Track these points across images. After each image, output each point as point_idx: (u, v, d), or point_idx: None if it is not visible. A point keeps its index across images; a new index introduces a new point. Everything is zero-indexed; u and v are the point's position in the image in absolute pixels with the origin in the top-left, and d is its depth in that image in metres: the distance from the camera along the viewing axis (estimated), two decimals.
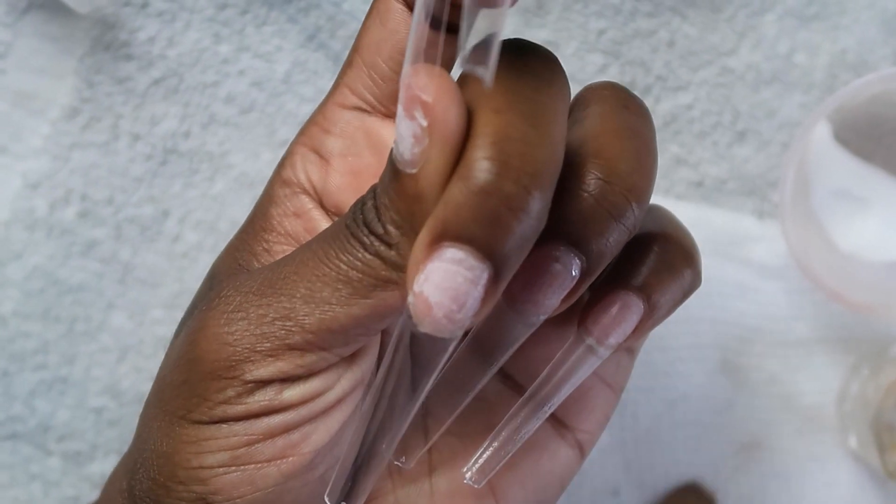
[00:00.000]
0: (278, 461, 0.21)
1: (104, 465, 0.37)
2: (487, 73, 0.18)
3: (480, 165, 0.17)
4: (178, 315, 0.38)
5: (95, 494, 0.37)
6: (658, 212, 0.25)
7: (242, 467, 0.21)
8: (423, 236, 0.18)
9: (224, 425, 0.21)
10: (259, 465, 0.21)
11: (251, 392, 0.21)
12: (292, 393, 0.21)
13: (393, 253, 0.19)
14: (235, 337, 0.21)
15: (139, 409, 0.37)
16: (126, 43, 0.37)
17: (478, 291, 0.18)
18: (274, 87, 0.38)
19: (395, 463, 0.24)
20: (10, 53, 0.37)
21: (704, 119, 0.40)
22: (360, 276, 0.20)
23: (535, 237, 0.18)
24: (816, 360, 0.40)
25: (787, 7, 0.40)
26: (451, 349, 0.20)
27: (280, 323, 0.20)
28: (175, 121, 0.37)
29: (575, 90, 0.22)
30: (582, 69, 0.40)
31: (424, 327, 0.18)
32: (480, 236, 0.17)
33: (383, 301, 0.20)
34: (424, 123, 0.18)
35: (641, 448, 0.39)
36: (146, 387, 0.37)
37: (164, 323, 0.37)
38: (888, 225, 0.40)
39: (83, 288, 0.37)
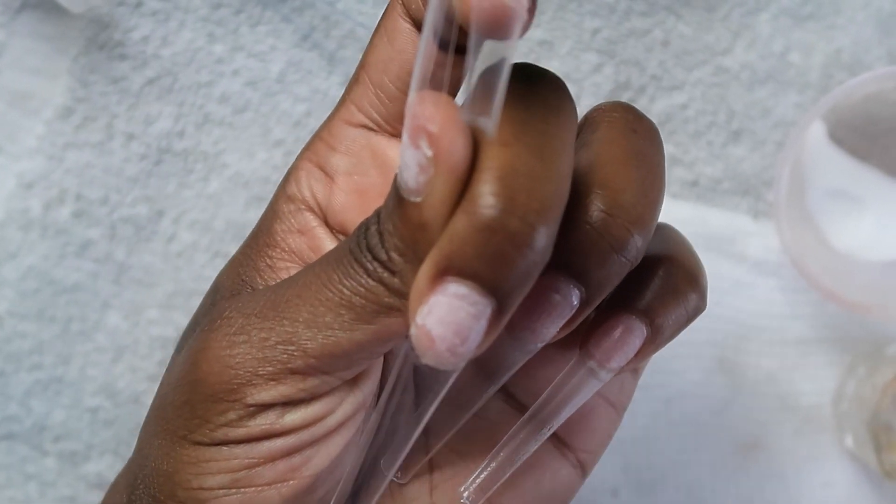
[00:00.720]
0: (279, 484, 0.21)
1: (100, 465, 0.37)
2: (490, 122, 0.18)
3: (486, 201, 0.17)
4: (174, 315, 0.38)
5: (91, 494, 0.37)
6: (664, 232, 0.24)
7: (243, 490, 0.21)
8: (427, 269, 0.18)
9: (225, 447, 0.21)
10: (259, 488, 0.21)
11: (253, 415, 0.21)
12: (294, 417, 0.21)
13: (396, 280, 0.19)
14: (237, 360, 0.21)
15: (135, 408, 0.37)
16: (120, 42, 0.37)
17: (481, 326, 0.18)
18: (268, 87, 0.38)
19: (392, 479, 0.24)
20: (4, 53, 0.37)
21: (699, 118, 0.40)
22: (364, 301, 0.20)
23: (540, 271, 0.18)
24: (813, 359, 0.40)
25: (782, 6, 0.40)
26: (452, 379, 0.20)
27: (282, 347, 0.20)
28: (169, 120, 0.37)
29: (571, 90, 0.22)
30: (577, 69, 0.40)
31: (427, 359, 0.18)
32: (484, 272, 0.17)
33: (386, 327, 0.20)
34: (430, 154, 0.17)
35: (639, 447, 0.39)
36: (141, 387, 0.37)
37: (159, 323, 0.37)
38: (883, 224, 0.40)
39: (78, 288, 0.37)
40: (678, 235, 0.25)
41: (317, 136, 0.24)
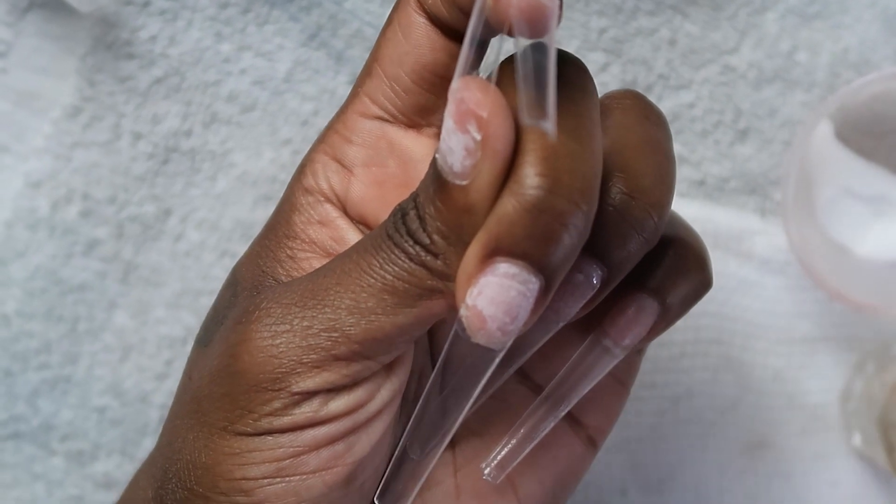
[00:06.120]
0: (322, 472, 0.22)
1: (107, 465, 0.37)
2: (549, 124, 0.18)
3: (532, 182, 0.18)
4: (181, 314, 0.38)
5: (98, 494, 0.37)
6: (671, 216, 0.25)
7: (287, 479, 0.21)
8: (476, 250, 0.18)
9: (269, 437, 0.21)
10: (304, 476, 0.21)
11: (297, 404, 0.21)
12: (338, 404, 0.21)
13: (439, 262, 0.20)
14: (281, 349, 0.21)
15: (142, 408, 0.37)
16: (128, 42, 0.37)
17: (529, 303, 0.18)
18: (276, 86, 0.38)
19: (411, 456, 0.25)
20: (12, 53, 0.37)
21: (706, 118, 0.40)
22: (406, 285, 0.20)
23: (581, 247, 0.19)
24: (820, 358, 0.40)
25: (789, 5, 0.40)
26: (498, 359, 0.20)
27: (326, 334, 0.21)
28: (177, 119, 0.37)
29: None
30: None
31: (478, 339, 0.19)
32: (533, 251, 0.18)
33: (428, 309, 0.20)
34: (478, 137, 0.18)
35: (646, 446, 0.39)
36: (149, 386, 0.37)
37: (166, 322, 0.37)
38: (890, 223, 0.40)
39: (85, 287, 0.37)
40: (682, 219, 0.25)
41: (331, 129, 0.24)
